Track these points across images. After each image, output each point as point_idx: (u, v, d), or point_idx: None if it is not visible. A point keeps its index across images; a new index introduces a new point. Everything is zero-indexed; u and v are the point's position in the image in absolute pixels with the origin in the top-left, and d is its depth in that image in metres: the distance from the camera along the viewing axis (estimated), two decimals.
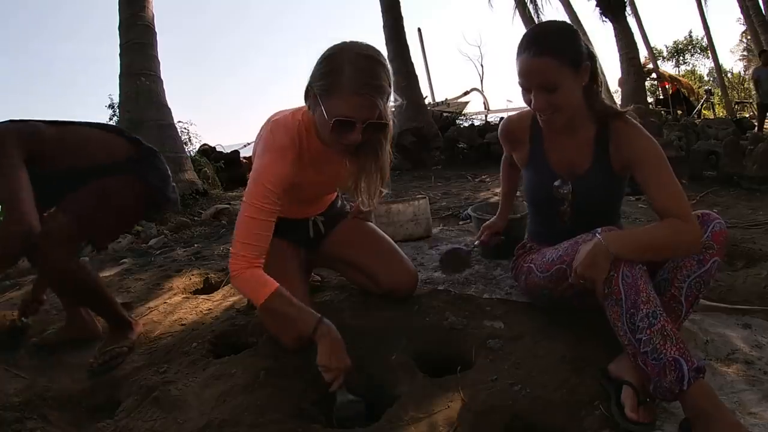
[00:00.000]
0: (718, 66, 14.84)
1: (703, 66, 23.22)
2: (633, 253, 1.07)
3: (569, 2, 12.43)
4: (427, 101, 9.67)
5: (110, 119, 5.38)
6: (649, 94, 11.62)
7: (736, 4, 11.94)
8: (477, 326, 1.44)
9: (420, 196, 2.75)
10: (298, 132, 1.29)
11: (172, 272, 2.30)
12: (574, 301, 1.26)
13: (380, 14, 7.28)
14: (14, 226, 1.24)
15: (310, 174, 1.35)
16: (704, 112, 11.51)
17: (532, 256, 1.43)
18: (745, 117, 10.18)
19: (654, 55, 16.38)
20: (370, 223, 1.72)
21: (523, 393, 1.12)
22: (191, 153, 6.08)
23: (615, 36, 8.98)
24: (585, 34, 12.12)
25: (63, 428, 1.23)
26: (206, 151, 6.51)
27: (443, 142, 6.81)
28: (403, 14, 7.27)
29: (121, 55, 5.17)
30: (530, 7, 12.55)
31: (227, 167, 6.13)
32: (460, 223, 2.91)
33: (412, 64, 7.30)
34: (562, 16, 12.59)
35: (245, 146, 7.41)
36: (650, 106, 10.02)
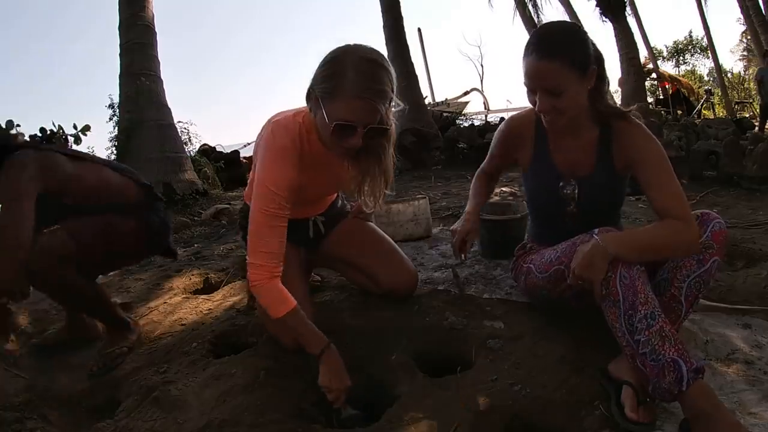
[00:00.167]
0: (718, 66, 14.84)
1: (703, 66, 23.23)
2: (631, 253, 1.07)
3: (569, 2, 12.42)
4: (427, 101, 9.67)
5: (110, 119, 5.37)
6: (649, 94, 11.63)
7: (736, 4, 11.94)
8: (477, 326, 1.44)
9: (420, 196, 2.75)
10: (299, 134, 1.29)
11: (172, 272, 2.30)
12: (573, 301, 1.26)
13: (380, 14, 7.28)
14: (9, 253, 1.26)
15: (310, 176, 1.35)
16: (704, 112, 11.50)
17: (531, 256, 1.42)
18: (745, 117, 10.18)
19: (654, 55, 16.38)
20: (370, 223, 1.72)
21: (523, 393, 1.12)
22: (191, 153, 6.08)
23: (615, 36, 8.98)
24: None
25: (63, 428, 1.23)
26: (206, 151, 6.50)
27: (443, 142, 6.80)
28: (403, 14, 7.28)
29: (121, 55, 5.17)
30: (530, 7, 12.54)
31: (227, 167, 6.13)
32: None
33: (412, 64, 7.31)
34: (561, 16, 12.59)
35: (245, 146, 7.42)
36: (650, 106, 10.02)
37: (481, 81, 19.15)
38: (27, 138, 3.69)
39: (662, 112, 10.08)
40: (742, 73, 21.81)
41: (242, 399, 1.18)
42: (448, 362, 1.32)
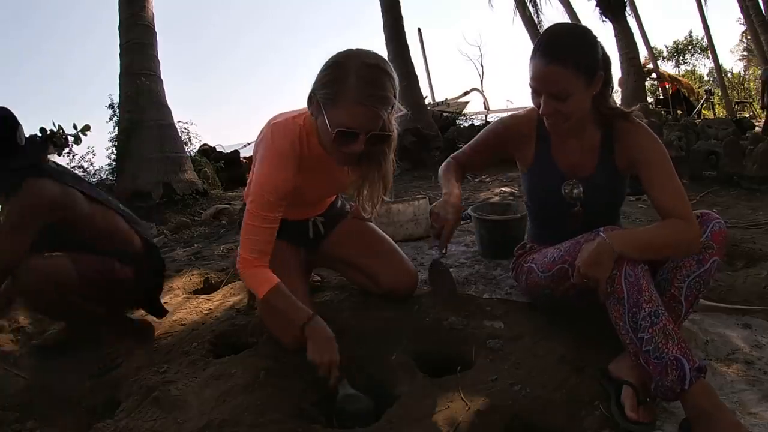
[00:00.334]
0: (718, 66, 14.83)
1: (703, 66, 23.21)
2: (635, 251, 1.07)
3: (569, 2, 12.42)
4: (427, 101, 9.67)
5: (110, 119, 5.37)
6: (649, 94, 11.63)
7: (736, 4, 11.94)
8: (477, 326, 1.44)
9: (420, 196, 2.75)
10: (298, 136, 1.28)
11: (172, 272, 2.30)
12: (575, 300, 1.26)
13: (380, 14, 7.29)
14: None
15: (308, 178, 1.34)
16: (704, 112, 11.50)
17: (532, 256, 1.42)
18: (745, 117, 10.17)
19: (654, 55, 16.37)
20: (370, 223, 1.71)
21: (523, 393, 1.12)
22: (191, 153, 6.08)
23: (615, 36, 8.99)
24: None
25: (63, 428, 1.23)
26: (206, 151, 6.51)
27: (443, 142, 6.80)
28: (403, 14, 7.28)
29: (121, 55, 5.18)
30: (530, 7, 12.54)
31: (227, 167, 6.13)
32: (461, 223, 2.91)
33: (412, 64, 7.31)
34: (561, 16, 12.59)
35: (245, 146, 7.41)
36: (650, 106, 10.01)
37: (481, 81, 19.14)
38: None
39: (662, 112, 10.08)
40: (742, 73, 21.80)
41: (242, 399, 1.18)
42: (448, 362, 1.32)
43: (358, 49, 1.17)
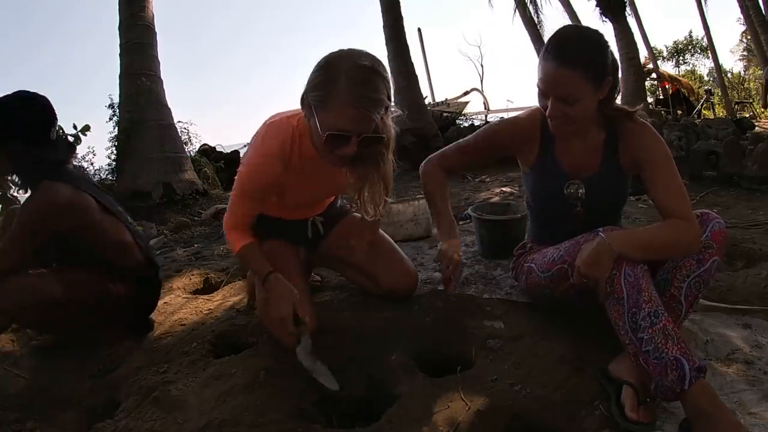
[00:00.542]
0: (718, 66, 14.82)
1: (703, 66, 23.19)
2: (635, 251, 1.07)
3: (569, 2, 12.42)
4: (427, 101, 9.66)
5: (110, 119, 5.38)
6: (649, 94, 11.62)
7: (736, 4, 11.94)
8: (477, 326, 1.44)
9: (420, 196, 2.74)
10: (291, 137, 1.27)
11: (172, 272, 2.30)
12: (575, 300, 1.26)
13: (380, 14, 7.28)
14: None
15: (301, 179, 1.35)
16: (704, 112, 11.49)
17: (532, 255, 1.42)
18: (745, 117, 10.16)
19: (654, 55, 16.36)
20: None
21: (523, 393, 1.12)
22: (191, 153, 6.08)
23: (615, 36, 8.98)
24: None
25: (63, 428, 1.23)
26: (206, 151, 6.51)
27: (443, 142, 6.79)
28: (403, 14, 7.27)
29: (121, 55, 5.17)
30: (530, 7, 12.53)
31: (227, 167, 6.13)
32: (460, 223, 2.91)
33: (412, 64, 7.30)
34: (562, 16, 12.59)
35: (245, 146, 7.38)
36: (650, 106, 10.02)
37: (481, 81, 19.16)
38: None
39: (662, 112, 10.08)
40: (742, 73, 21.78)
41: (242, 399, 1.18)
42: (448, 362, 1.32)
43: (350, 50, 1.15)
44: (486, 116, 12.74)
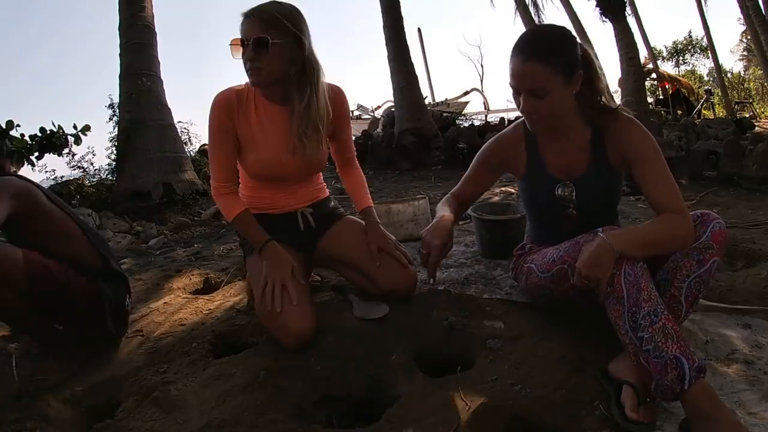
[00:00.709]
0: (718, 66, 14.82)
1: (703, 66, 23.19)
2: (635, 250, 1.08)
3: (569, 2, 12.42)
4: (427, 101, 9.66)
5: (110, 119, 5.38)
6: (649, 94, 11.60)
7: (736, 4, 11.93)
8: (477, 326, 1.44)
9: (420, 196, 2.75)
10: (236, 92, 1.47)
11: (172, 272, 2.30)
12: (577, 299, 1.26)
13: (380, 14, 7.28)
14: None
15: (259, 129, 1.49)
16: (704, 112, 11.50)
17: (532, 256, 1.42)
18: (745, 117, 10.17)
19: (654, 55, 16.36)
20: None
21: (523, 393, 1.12)
22: (191, 153, 6.08)
23: (615, 36, 8.96)
24: (585, 34, 12.13)
25: (63, 428, 1.23)
26: (206, 151, 6.48)
27: (443, 142, 6.80)
28: (403, 14, 7.27)
29: (121, 55, 5.17)
30: (531, 8, 12.53)
31: None
32: (460, 223, 2.91)
33: (412, 64, 7.30)
34: (562, 16, 12.59)
35: None
36: (650, 106, 10.01)
37: (481, 81, 19.20)
38: (27, 138, 3.71)
39: (662, 112, 10.08)
40: (742, 73, 21.78)
41: (242, 399, 1.18)
42: (448, 362, 1.32)
43: None
44: (486, 116, 12.75)
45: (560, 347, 1.26)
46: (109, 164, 5.35)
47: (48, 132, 3.90)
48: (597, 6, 8.58)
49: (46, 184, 4.57)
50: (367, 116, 13.55)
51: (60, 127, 3.96)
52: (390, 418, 1.10)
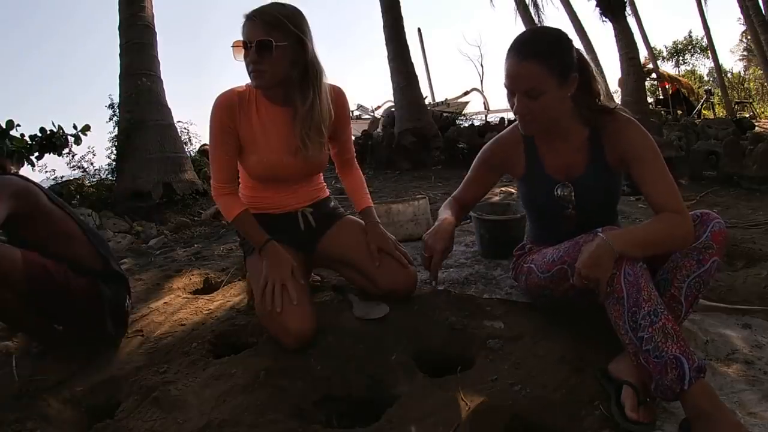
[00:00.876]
0: (718, 66, 14.83)
1: (703, 66, 23.20)
2: (636, 249, 1.08)
3: (569, 2, 12.42)
4: (427, 101, 9.66)
5: (110, 119, 5.38)
6: (649, 94, 11.61)
7: (736, 4, 11.93)
8: (477, 326, 1.44)
9: (420, 196, 2.75)
10: (238, 93, 1.47)
11: (172, 272, 2.30)
12: (576, 299, 1.26)
13: (380, 14, 7.28)
14: None
15: (260, 130, 1.48)
16: (704, 112, 11.50)
17: (532, 256, 1.42)
18: (745, 117, 10.17)
19: (654, 55, 16.37)
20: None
21: (523, 393, 1.12)
22: (191, 153, 6.08)
23: (615, 36, 8.96)
24: (585, 34, 12.12)
25: (63, 428, 1.23)
26: (206, 151, 6.49)
27: (443, 142, 6.80)
28: (403, 14, 7.28)
29: (121, 55, 5.17)
30: (531, 8, 12.53)
31: None
32: (460, 223, 2.91)
33: (412, 64, 7.30)
34: (562, 16, 12.59)
35: None
36: (650, 106, 10.01)
37: (481, 81, 19.21)
38: (27, 138, 3.71)
39: (662, 112, 10.08)
40: (742, 73, 21.79)
41: (242, 399, 1.18)
42: (448, 362, 1.32)
43: None
44: (486, 116, 12.75)
45: (560, 347, 1.26)
46: (109, 164, 5.35)
47: (48, 132, 3.91)
48: (597, 6, 8.58)
49: (46, 184, 4.56)
50: (367, 116, 13.57)
51: (60, 127, 3.97)
52: (390, 418, 1.10)
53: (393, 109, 8.20)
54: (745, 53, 22.16)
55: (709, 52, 16.09)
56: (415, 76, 7.34)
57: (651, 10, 47.52)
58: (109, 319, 1.53)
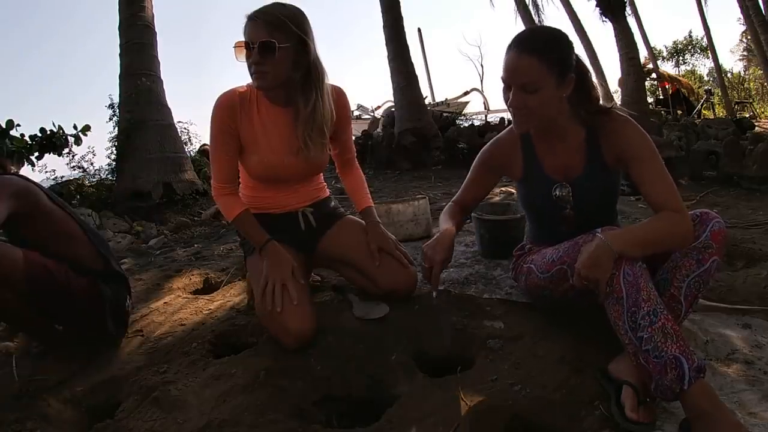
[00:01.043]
0: (718, 66, 14.83)
1: (703, 66, 23.20)
2: (635, 249, 1.07)
3: (569, 2, 12.42)
4: (427, 101, 9.67)
5: (110, 119, 5.38)
6: (649, 94, 11.61)
7: (736, 4, 11.93)
8: (477, 326, 1.44)
9: (420, 196, 2.75)
10: (240, 93, 1.47)
11: (172, 272, 2.30)
12: (576, 299, 1.26)
13: (380, 14, 7.29)
14: None
15: (262, 131, 1.48)
16: (704, 112, 11.50)
17: (532, 256, 1.42)
18: (745, 117, 10.17)
19: (654, 55, 16.37)
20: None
21: (523, 393, 1.12)
22: (191, 153, 6.08)
23: (615, 36, 8.97)
24: (585, 34, 12.12)
25: (63, 428, 1.23)
26: (206, 151, 6.51)
27: (443, 142, 6.81)
28: (403, 14, 7.28)
29: (121, 55, 5.17)
30: (531, 8, 12.54)
31: None
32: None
33: (412, 64, 7.31)
34: (562, 16, 12.59)
35: None
36: (650, 106, 10.01)
37: (481, 81, 19.21)
38: (27, 138, 3.72)
39: (662, 112, 10.08)
40: (742, 73, 21.78)
41: (242, 399, 1.18)
42: (448, 362, 1.32)
43: None
44: (486, 116, 12.75)
45: (560, 347, 1.26)
46: (109, 164, 5.35)
47: (48, 132, 3.91)
48: (597, 6, 8.58)
49: (46, 184, 4.56)
50: (367, 116, 13.57)
51: (60, 128, 3.97)
52: (390, 418, 1.10)
53: (393, 109, 8.21)
54: (745, 53, 22.15)
55: (709, 52, 16.10)
56: (415, 76, 7.34)
57: (651, 10, 47.64)
58: (109, 319, 1.52)
